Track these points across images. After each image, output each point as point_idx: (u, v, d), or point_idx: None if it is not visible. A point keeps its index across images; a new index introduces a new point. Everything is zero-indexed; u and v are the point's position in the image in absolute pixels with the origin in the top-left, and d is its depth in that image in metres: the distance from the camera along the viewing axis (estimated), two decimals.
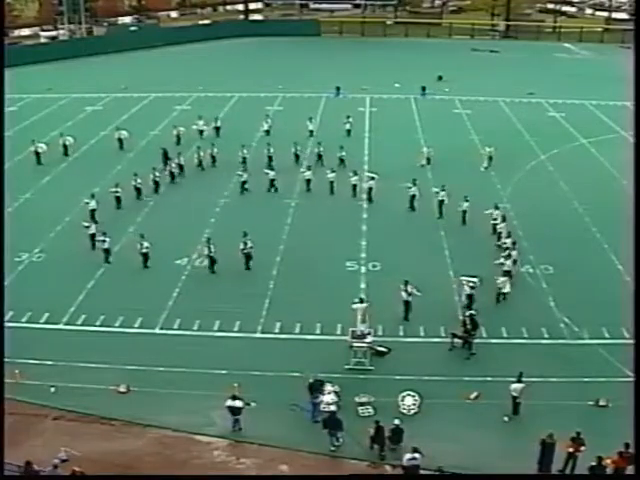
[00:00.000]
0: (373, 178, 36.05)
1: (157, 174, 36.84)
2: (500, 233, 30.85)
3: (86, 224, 30.39)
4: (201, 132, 45.31)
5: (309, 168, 37.84)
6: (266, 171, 37.33)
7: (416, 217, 34.31)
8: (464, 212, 32.91)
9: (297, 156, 41.06)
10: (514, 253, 28.42)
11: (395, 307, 25.74)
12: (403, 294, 25.50)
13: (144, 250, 29.03)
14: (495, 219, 31.70)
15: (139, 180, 35.81)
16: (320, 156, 40.71)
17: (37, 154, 41.00)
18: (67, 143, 42.73)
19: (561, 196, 36.91)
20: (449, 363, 23.64)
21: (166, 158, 38.74)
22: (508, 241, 29.41)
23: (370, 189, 35.96)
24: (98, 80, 61.34)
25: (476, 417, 20.99)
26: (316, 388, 20.81)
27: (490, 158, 40.53)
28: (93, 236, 30.25)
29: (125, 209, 34.62)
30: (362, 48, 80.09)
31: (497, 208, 32.26)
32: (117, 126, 45.36)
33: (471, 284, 25.87)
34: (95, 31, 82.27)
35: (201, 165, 40.24)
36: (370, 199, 35.79)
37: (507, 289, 26.64)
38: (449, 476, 18.56)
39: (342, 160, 39.99)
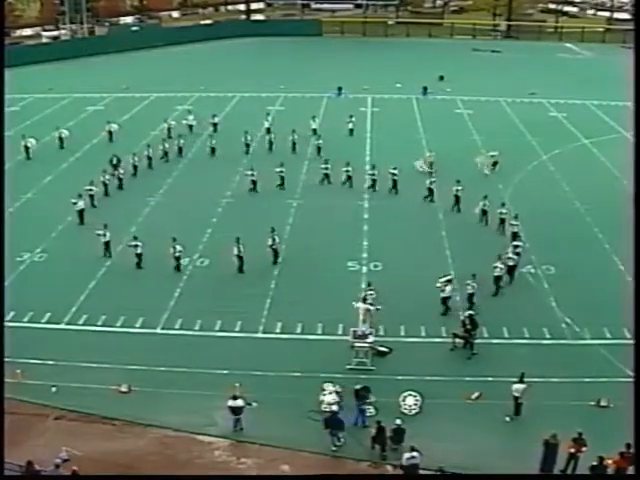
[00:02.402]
0: (395, 174, 36.70)
1: (122, 171, 37.45)
2: (516, 233, 30.60)
3: (100, 232, 29.87)
4: (190, 127, 46.06)
5: (326, 162, 38.35)
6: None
7: (418, 217, 34.31)
8: (484, 211, 32.91)
9: (271, 143, 42.96)
10: (514, 256, 28.25)
11: (396, 307, 25.74)
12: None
13: (177, 254, 28.90)
14: (504, 216, 31.83)
15: (107, 176, 36.30)
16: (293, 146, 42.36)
17: (27, 149, 41.70)
18: (63, 136, 43.74)
19: (562, 196, 36.89)
20: (450, 363, 23.64)
21: (118, 163, 38.43)
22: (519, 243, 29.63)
23: (395, 181, 36.70)
24: (99, 80, 61.34)
25: (477, 417, 20.98)
26: (362, 395, 20.72)
27: (495, 163, 40.24)
28: (107, 244, 29.87)
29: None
30: (364, 48, 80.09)
31: (503, 204, 32.71)
32: (107, 120, 46.12)
33: (447, 287, 25.85)
34: (97, 31, 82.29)
35: (166, 156, 41.33)
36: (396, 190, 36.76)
37: (447, 293, 26.13)
38: (450, 476, 18.56)
39: (319, 149, 41.31)
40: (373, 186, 36.99)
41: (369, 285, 25.73)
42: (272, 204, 35.34)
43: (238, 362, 23.22)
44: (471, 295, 26.23)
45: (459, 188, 34.30)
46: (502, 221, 31.89)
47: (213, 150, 42.47)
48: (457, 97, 57.09)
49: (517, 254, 28.33)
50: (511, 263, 27.83)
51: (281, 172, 37.22)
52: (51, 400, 21.58)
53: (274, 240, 29.54)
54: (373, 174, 37.08)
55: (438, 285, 26.02)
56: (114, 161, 38.47)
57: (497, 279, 27.29)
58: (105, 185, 36.10)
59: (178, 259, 29.02)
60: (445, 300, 26.01)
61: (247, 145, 42.77)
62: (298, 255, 30.23)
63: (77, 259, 29.97)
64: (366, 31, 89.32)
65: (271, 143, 42.93)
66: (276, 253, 29.67)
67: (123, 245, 30.29)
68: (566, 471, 19.01)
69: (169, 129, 44.85)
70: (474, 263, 27.51)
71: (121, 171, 37.53)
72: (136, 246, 29.05)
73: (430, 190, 35.55)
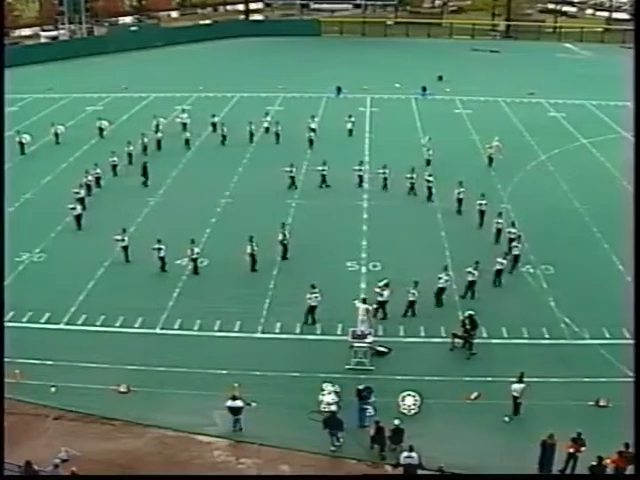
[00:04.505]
0: (430, 180, 36.10)
1: (98, 171, 37.21)
2: (517, 255, 29.26)
3: (118, 237, 29.65)
4: (184, 125, 46.13)
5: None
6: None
7: (417, 217, 34.31)
8: (498, 230, 31.26)
9: (251, 134, 44.61)
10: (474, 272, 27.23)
11: (395, 307, 25.77)
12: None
13: (194, 256, 28.81)
14: (512, 235, 30.04)
15: (90, 177, 36.19)
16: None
17: (21, 145, 42.35)
18: (58, 132, 44.61)
19: (561, 196, 36.91)
20: (449, 363, 23.66)
21: (144, 171, 38.20)
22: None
23: (412, 185, 36.46)
24: (99, 80, 61.36)
25: (476, 417, 21.00)
26: (365, 395, 20.70)
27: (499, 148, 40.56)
28: (126, 248, 29.59)
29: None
30: (363, 48, 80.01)
31: (513, 223, 31.01)
32: (99, 117, 47.31)
33: (385, 292, 25.56)
34: (96, 31, 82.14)
35: (145, 151, 41.99)
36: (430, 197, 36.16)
37: (385, 298, 25.72)
38: (449, 476, 18.58)
39: (311, 141, 43.19)
40: (412, 190, 36.54)
41: (313, 287, 25.49)
42: (271, 204, 35.31)
43: (237, 362, 23.24)
44: (412, 302, 25.89)
45: (483, 202, 32.78)
46: (511, 241, 29.99)
47: (187, 142, 43.47)
48: (456, 97, 57.09)
49: (502, 267, 28.08)
50: (470, 278, 26.97)
51: (323, 170, 37.31)
52: (50, 400, 21.58)
53: (284, 235, 29.80)
54: (412, 177, 36.47)
55: (377, 290, 25.66)
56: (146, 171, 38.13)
57: (439, 291, 26.64)
58: (88, 186, 35.88)
59: (195, 261, 28.91)
60: (382, 304, 25.64)
61: (223, 137, 44.24)
62: (297, 255, 30.20)
63: (76, 259, 29.96)
64: (365, 31, 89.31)
65: (252, 134, 44.49)
66: (285, 248, 29.88)
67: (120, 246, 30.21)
68: (565, 471, 19.02)
69: (157, 125, 45.05)
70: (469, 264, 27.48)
71: (99, 169, 37.32)
72: (159, 249, 28.80)
73: (459, 201, 34.26)
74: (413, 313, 26.00)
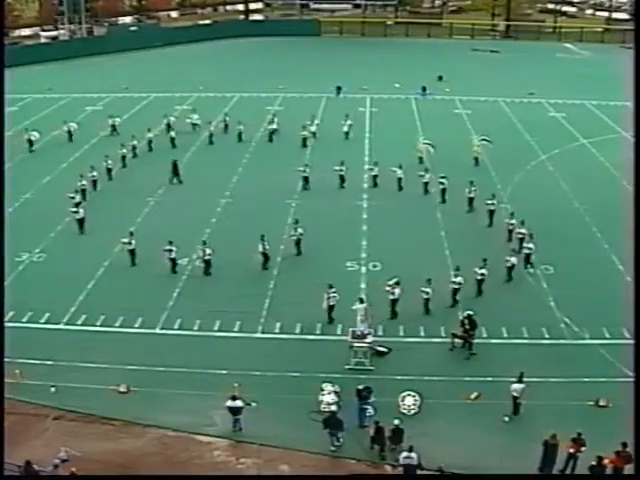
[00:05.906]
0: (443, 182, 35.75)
1: (95, 173, 36.95)
2: (529, 255, 29.38)
3: (125, 240, 29.54)
4: (194, 126, 46.34)
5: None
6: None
7: (417, 217, 34.32)
8: (509, 231, 31.33)
9: (240, 134, 44.56)
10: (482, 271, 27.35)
11: (398, 306, 25.76)
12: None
13: (207, 257, 28.77)
14: (522, 236, 30.16)
15: (84, 181, 35.93)
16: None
17: (30, 142, 42.68)
18: (72, 129, 44.93)
19: (561, 196, 36.91)
20: (449, 363, 23.67)
21: (175, 169, 38.30)
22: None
23: (443, 190, 36.00)
24: (98, 80, 61.38)
25: (476, 417, 21.00)
26: (365, 395, 20.70)
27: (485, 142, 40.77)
28: (133, 252, 29.41)
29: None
30: (362, 48, 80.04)
31: (523, 222, 30.78)
32: (110, 114, 47.39)
33: (396, 290, 25.57)
34: (95, 31, 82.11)
35: (150, 147, 42.60)
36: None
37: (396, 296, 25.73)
38: (449, 476, 18.57)
39: (305, 140, 43.40)
40: (426, 189, 36.44)
41: (330, 287, 25.42)
42: (271, 204, 35.32)
43: (237, 362, 23.25)
44: (427, 300, 25.94)
45: (492, 202, 32.85)
46: (521, 240, 30.13)
47: (173, 140, 43.41)
48: (456, 97, 57.08)
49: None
50: (478, 277, 27.02)
51: (340, 170, 37.22)
52: (50, 400, 21.59)
53: (296, 230, 30.17)
54: (424, 176, 36.43)
55: (387, 289, 25.66)
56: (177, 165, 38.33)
57: (454, 291, 26.69)
58: (83, 190, 35.40)
59: (208, 262, 28.84)
60: (394, 302, 25.68)
61: (211, 135, 44.54)
62: (297, 255, 30.24)
63: (76, 259, 29.97)
64: (365, 31, 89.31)
65: (240, 135, 44.66)
66: (298, 244, 30.23)
67: (120, 246, 30.09)
68: (565, 471, 19.03)
69: (168, 124, 45.19)
70: (473, 263, 27.46)
71: (95, 172, 37.11)
72: (170, 251, 28.72)
73: (470, 200, 34.21)
74: (427, 311, 26.14)
